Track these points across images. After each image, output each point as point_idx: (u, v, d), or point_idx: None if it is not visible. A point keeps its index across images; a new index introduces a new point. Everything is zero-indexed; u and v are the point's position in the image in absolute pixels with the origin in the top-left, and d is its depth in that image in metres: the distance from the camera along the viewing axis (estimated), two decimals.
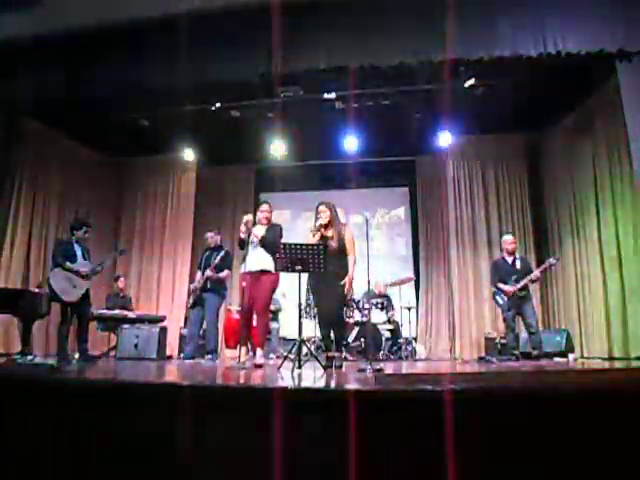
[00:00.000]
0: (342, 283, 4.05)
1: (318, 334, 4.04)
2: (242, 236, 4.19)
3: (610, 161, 5.80)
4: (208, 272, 5.26)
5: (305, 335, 4.10)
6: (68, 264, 4.93)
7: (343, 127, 7.18)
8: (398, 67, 4.94)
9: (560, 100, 6.49)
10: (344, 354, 6.15)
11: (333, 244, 4.01)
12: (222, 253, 5.40)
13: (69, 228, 5.30)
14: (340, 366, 4.01)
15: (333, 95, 6.44)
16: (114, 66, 5.33)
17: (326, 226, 4.11)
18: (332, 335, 4.25)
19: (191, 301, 5.41)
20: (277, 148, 7.50)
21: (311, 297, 4.28)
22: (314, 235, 4.07)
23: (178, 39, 4.83)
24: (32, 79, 5.48)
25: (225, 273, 5.42)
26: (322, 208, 4.15)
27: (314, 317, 4.12)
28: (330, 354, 4.07)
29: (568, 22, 4.63)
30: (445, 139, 7.29)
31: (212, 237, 5.59)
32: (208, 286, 5.28)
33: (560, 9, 4.64)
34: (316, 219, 4.16)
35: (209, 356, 5.21)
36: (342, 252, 4.08)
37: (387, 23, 4.81)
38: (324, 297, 4.10)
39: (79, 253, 5.12)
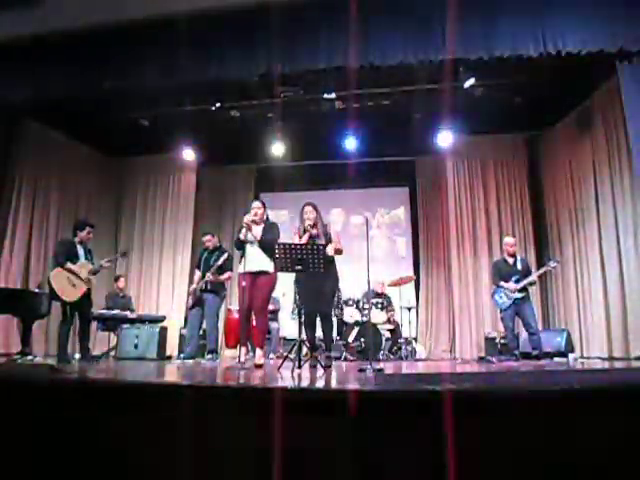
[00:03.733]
0: (334, 285, 4.12)
1: (303, 335, 4.01)
2: (242, 237, 4.17)
3: (610, 161, 5.80)
4: (209, 275, 5.27)
5: (304, 336, 4.11)
6: (69, 264, 4.93)
7: (343, 127, 7.18)
8: (398, 67, 4.94)
9: (560, 100, 6.49)
10: (343, 354, 6.20)
11: (321, 242, 4.06)
12: (224, 256, 5.40)
13: (72, 228, 5.30)
14: (329, 365, 4.01)
15: (333, 95, 6.44)
16: (114, 66, 5.32)
17: (312, 227, 4.18)
18: (321, 335, 4.27)
19: (190, 302, 5.41)
20: (277, 148, 7.50)
21: (297, 297, 4.28)
22: (300, 237, 4.15)
23: (178, 39, 4.84)
24: (32, 79, 5.47)
25: (226, 275, 5.43)
26: (309, 209, 4.23)
27: (300, 317, 4.10)
28: (314, 354, 4.10)
29: (568, 22, 4.62)
30: (445, 139, 7.29)
31: (210, 240, 5.59)
32: (208, 287, 5.29)
33: (560, 9, 4.64)
34: (302, 220, 4.24)
35: (209, 356, 5.22)
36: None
37: (387, 23, 4.81)
38: (312, 296, 4.12)
39: (82, 253, 5.11)
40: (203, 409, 1.92)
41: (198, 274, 5.45)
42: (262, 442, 1.74)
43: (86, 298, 5.02)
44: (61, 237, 7.19)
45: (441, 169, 7.84)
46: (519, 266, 5.54)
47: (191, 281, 6.20)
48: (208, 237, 5.63)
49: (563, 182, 6.85)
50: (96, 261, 5.26)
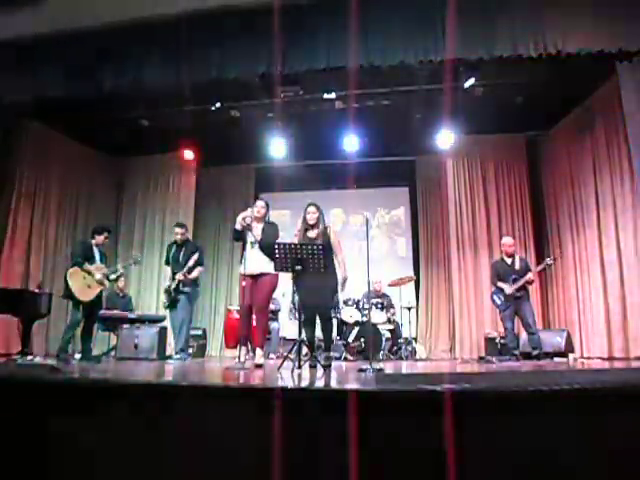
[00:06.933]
0: (340, 282, 4.15)
1: (303, 335, 4.02)
2: (237, 227, 4.16)
3: (610, 161, 5.80)
4: (180, 276, 5.28)
5: (304, 336, 4.11)
6: (86, 265, 5.00)
7: (343, 127, 7.18)
8: (398, 67, 4.93)
9: (560, 100, 6.49)
10: (343, 354, 6.20)
11: (318, 242, 4.07)
12: (195, 256, 5.39)
13: (91, 231, 5.45)
14: (329, 365, 4.01)
15: (333, 95, 6.44)
16: (114, 66, 5.32)
17: (312, 227, 4.22)
18: (321, 334, 4.28)
19: (167, 301, 5.41)
20: (277, 148, 7.50)
21: (297, 297, 4.29)
22: (297, 237, 4.20)
23: (178, 39, 4.83)
24: (32, 79, 5.47)
25: (196, 272, 5.43)
26: (312, 209, 4.28)
27: (299, 317, 4.10)
28: (314, 354, 4.11)
29: (568, 22, 4.62)
30: (445, 139, 7.28)
31: (179, 233, 5.58)
32: (180, 286, 5.32)
33: (560, 9, 4.63)
34: (304, 219, 4.28)
35: (177, 356, 5.22)
36: (327, 250, 4.13)
37: (387, 23, 4.81)
38: (312, 295, 4.12)
39: (97, 257, 5.21)
40: (203, 409, 1.92)
41: (168, 270, 5.48)
42: (262, 442, 1.74)
43: (98, 299, 5.10)
44: (61, 237, 7.23)
45: (441, 169, 7.83)
46: (517, 266, 5.55)
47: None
48: (180, 230, 5.60)
49: (563, 182, 6.85)
50: (110, 264, 5.35)
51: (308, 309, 4.18)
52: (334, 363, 4.44)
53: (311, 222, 4.23)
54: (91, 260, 5.13)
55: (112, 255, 7.88)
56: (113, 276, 5.30)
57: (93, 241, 5.27)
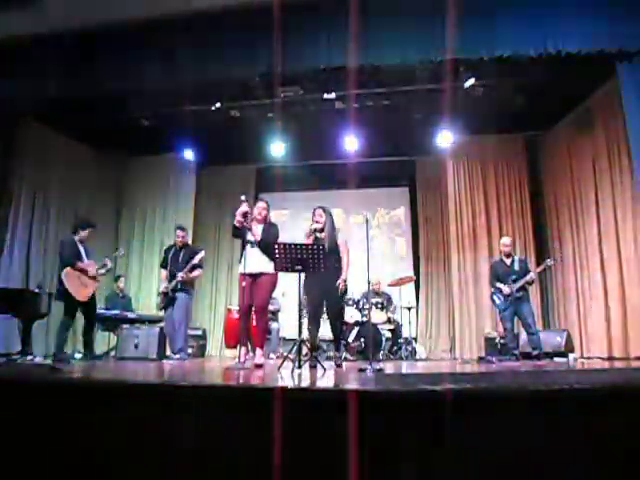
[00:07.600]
0: (338, 283, 4.23)
1: (303, 335, 4.02)
2: (237, 224, 4.15)
3: (610, 161, 5.80)
4: (182, 275, 5.28)
5: (305, 335, 4.12)
6: (79, 264, 4.98)
7: (343, 127, 7.18)
8: (398, 67, 4.94)
9: (560, 100, 6.49)
10: (343, 354, 6.19)
11: (325, 244, 4.13)
12: (201, 254, 5.40)
13: (73, 227, 5.34)
14: (340, 365, 4.04)
15: (333, 95, 6.44)
16: (114, 66, 5.32)
17: (320, 230, 4.30)
18: (321, 335, 4.31)
19: (162, 302, 5.41)
20: (277, 148, 7.50)
21: (305, 297, 4.32)
22: (308, 238, 4.27)
23: (178, 39, 4.84)
24: (32, 79, 5.47)
25: (197, 272, 5.45)
26: (319, 212, 4.38)
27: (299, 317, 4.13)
28: (315, 353, 4.14)
29: (568, 22, 4.62)
30: (445, 139, 7.28)
31: (184, 236, 5.58)
32: (179, 286, 5.32)
33: (560, 9, 4.64)
34: (312, 222, 4.37)
35: (177, 356, 5.22)
36: (334, 251, 4.25)
37: (387, 23, 4.81)
38: (319, 295, 4.15)
39: (83, 253, 5.16)
40: (203, 409, 1.91)
41: (165, 273, 5.46)
42: (262, 442, 1.74)
43: (93, 297, 5.09)
44: (61, 237, 7.20)
45: (441, 169, 7.84)
46: (516, 266, 5.55)
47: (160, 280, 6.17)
48: (182, 232, 5.59)
49: (563, 182, 6.85)
50: (96, 260, 5.30)
51: (315, 308, 4.22)
52: (333, 363, 4.43)
53: (318, 226, 4.29)
54: (79, 257, 5.08)
55: (112, 254, 7.88)
56: (102, 270, 5.25)
57: (77, 237, 5.20)
